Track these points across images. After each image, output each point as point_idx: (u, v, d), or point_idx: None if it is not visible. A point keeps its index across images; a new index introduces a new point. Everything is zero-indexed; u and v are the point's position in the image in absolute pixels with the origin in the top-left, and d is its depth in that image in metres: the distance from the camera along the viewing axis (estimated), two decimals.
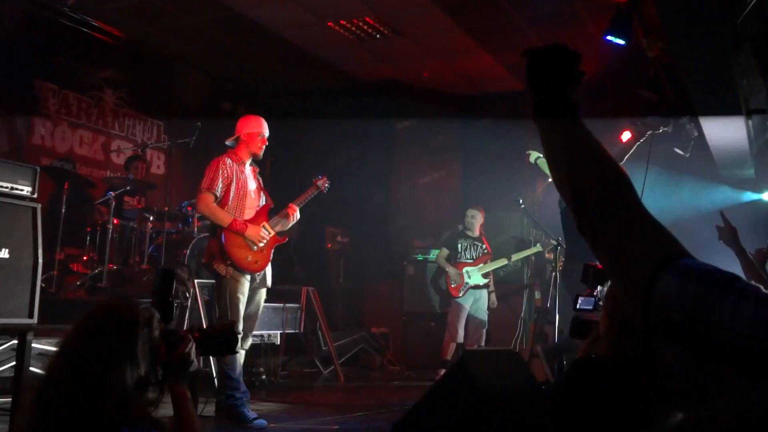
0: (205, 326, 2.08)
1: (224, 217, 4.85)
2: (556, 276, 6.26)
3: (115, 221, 6.84)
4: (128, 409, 1.77)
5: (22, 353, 3.26)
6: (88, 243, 6.92)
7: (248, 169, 5.08)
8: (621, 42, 5.79)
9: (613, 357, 2.52)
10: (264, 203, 5.14)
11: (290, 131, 10.20)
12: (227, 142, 5.16)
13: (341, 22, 7.94)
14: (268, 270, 5.08)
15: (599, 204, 1.02)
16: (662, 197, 8.88)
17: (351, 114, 10.07)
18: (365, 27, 8.05)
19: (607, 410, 2.47)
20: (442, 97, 10.11)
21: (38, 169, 4.79)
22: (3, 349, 4.78)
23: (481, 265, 7.49)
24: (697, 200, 8.86)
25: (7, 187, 4.54)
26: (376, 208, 9.82)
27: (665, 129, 7.56)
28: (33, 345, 3.70)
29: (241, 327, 4.77)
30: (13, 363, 4.40)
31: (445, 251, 7.67)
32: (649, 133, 5.49)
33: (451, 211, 9.19)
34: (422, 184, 9.92)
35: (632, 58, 7.59)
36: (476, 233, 7.65)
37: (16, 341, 4.38)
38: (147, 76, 9.01)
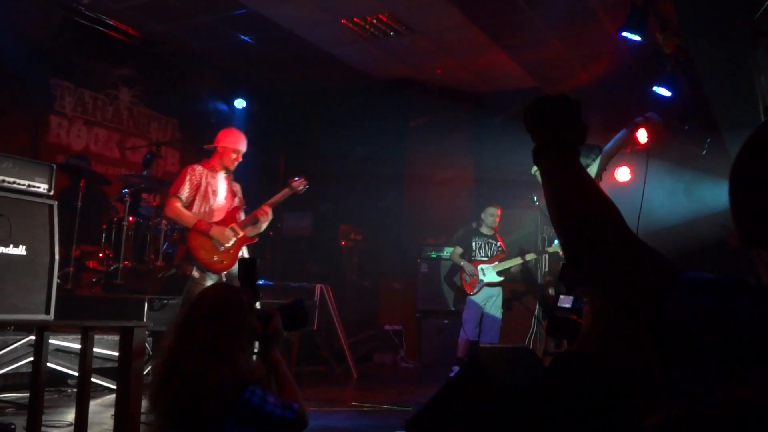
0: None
1: (189, 219, 5.05)
2: None
3: (130, 218, 6.88)
4: (248, 372, 2.18)
5: (39, 349, 3.29)
6: (103, 240, 6.97)
7: (221, 175, 5.28)
8: (636, 38, 5.75)
9: (602, 350, 2.52)
10: (235, 206, 5.30)
11: (303, 129, 10.24)
12: (206, 147, 5.44)
13: (355, 19, 7.94)
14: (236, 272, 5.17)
15: (593, 238, 1.07)
16: (679, 196, 8.82)
17: (364, 111, 10.07)
18: (379, 24, 8.04)
19: (593, 402, 2.47)
20: (456, 95, 10.09)
21: (54, 167, 4.83)
22: (20, 344, 4.83)
23: (496, 263, 7.47)
24: (714, 198, 8.79)
25: (24, 185, 4.58)
26: (389, 206, 9.81)
27: (678, 125, 7.51)
28: (50, 341, 3.73)
29: None
30: (31, 359, 4.46)
31: (459, 249, 7.66)
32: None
33: (465, 208, 9.18)
34: (436, 181, 9.90)
35: (648, 55, 7.54)
36: (492, 231, 7.63)
37: (33, 337, 4.43)
38: (162, 74, 9.05)
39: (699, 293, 0.92)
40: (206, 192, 5.16)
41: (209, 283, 4.94)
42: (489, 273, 7.43)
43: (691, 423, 0.77)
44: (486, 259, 7.50)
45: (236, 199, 5.33)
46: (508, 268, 7.53)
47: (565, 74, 9.25)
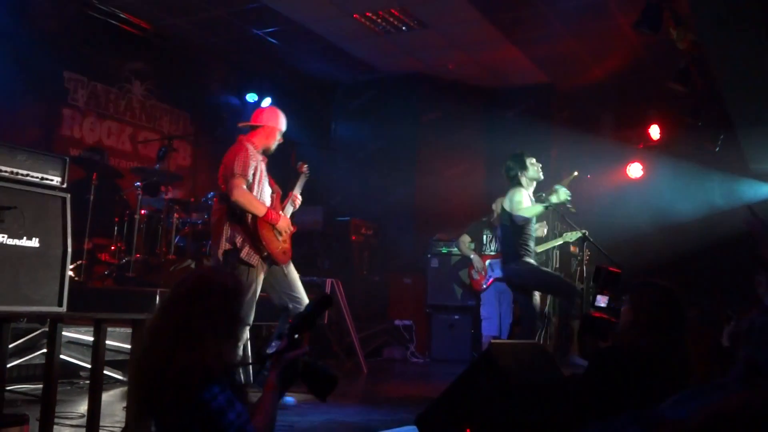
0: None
1: (260, 207, 4.77)
2: (582, 269, 6.20)
3: (142, 212, 6.91)
4: (221, 364, 2.01)
5: (52, 341, 3.31)
6: (115, 233, 7.00)
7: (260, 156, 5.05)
8: (650, 33, 5.72)
9: (642, 344, 2.64)
10: (276, 191, 5.13)
11: (315, 123, 10.23)
12: (241, 125, 5.17)
13: (367, 14, 7.93)
14: None
15: None
16: (691, 192, 8.77)
17: (376, 106, 10.06)
18: (391, 19, 8.03)
19: (634, 393, 2.54)
20: (468, 90, 10.06)
21: (67, 160, 4.85)
22: (33, 336, 4.86)
23: None
24: (727, 195, 8.74)
25: (37, 177, 4.61)
26: (400, 201, 9.80)
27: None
28: (63, 333, 3.75)
29: (251, 318, 4.81)
30: (44, 350, 4.48)
31: (467, 238, 7.57)
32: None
33: (476, 203, 9.14)
34: (447, 176, 9.87)
35: (662, 51, 7.49)
36: None
37: (46, 329, 4.46)
38: (174, 68, 9.07)
39: None
40: (261, 176, 4.89)
41: (263, 273, 4.86)
42: (497, 268, 7.31)
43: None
44: (494, 253, 7.41)
45: (274, 184, 5.13)
46: None
47: (578, 70, 9.21)
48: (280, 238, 4.93)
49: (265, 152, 5.06)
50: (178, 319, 2.04)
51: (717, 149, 8.07)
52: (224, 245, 4.79)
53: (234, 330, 2.14)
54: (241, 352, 4.93)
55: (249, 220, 4.79)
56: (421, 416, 3.38)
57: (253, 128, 5.04)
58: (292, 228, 5.07)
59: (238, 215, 4.80)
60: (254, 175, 4.82)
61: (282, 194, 5.22)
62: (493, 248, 7.45)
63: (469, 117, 10.09)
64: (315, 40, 8.72)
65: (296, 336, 2.17)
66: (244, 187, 4.72)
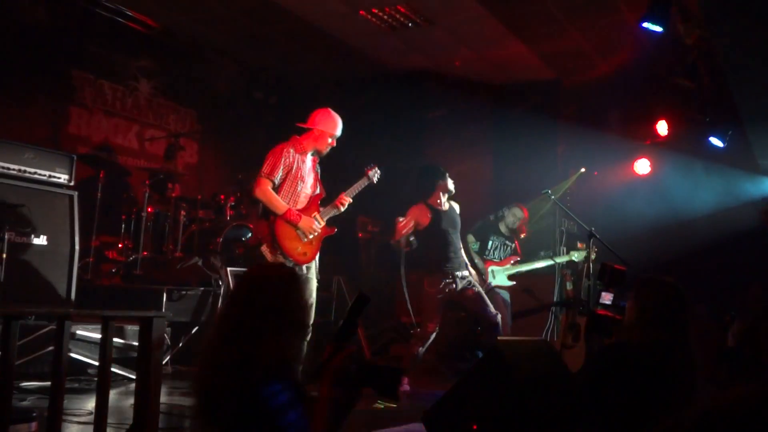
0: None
1: (280, 206, 4.90)
2: (588, 266, 6.18)
3: (149, 209, 6.93)
4: (281, 360, 1.99)
5: (60, 338, 3.32)
6: (123, 230, 7.02)
7: (309, 159, 5.13)
8: (658, 29, 5.68)
9: (646, 341, 2.68)
10: (317, 193, 5.18)
11: None
12: (299, 124, 5.22)
13: (373, 10, 7.91)
14: (314, 263, 5.09)
15: None
16: (699, 188, 8.73)
17: (382, 103, 10.04)
18: (397, 16, 8.01)
19: (637, 388, 2.57)
20: (474, 87, 10.03)
21: (75, 158, 4.88)
22: (41, 333, 4.88)
23: (508, 266, 7.10)
24: (735, 191, 8.69)
25: (45, 175, 4.63)
26: (407, 198, 9.78)
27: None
28: (71, 330, 3.76)
29: None
30: (52, 347, 4.50)
31: (472, 237, 7.46)
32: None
33: (483, 200, 9.12)
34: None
35: (669, 46, 7.45)
36: (510, 232, 7.36)
37: (54, 326, 4.48)
38: (180, 66, 9.08)
39: None
40: (296, 177, 4.99)
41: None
42: (500, 276, 7.09)
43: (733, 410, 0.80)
44: (498, 261, 7.26)
45: (319, 186, 5.22)
46: (521, 273, 7.19)
47: (585, 65, 9.17)
48: (305, 239, 4.96)
49: (317, 154, 5.19)
50: (237, 315, 2.07)
51: (725, 145, 8.03)
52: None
53: (297, 323, 2.13)
54: None
55: (270, 217, 4.92)
56: (428, 413, 3.38)
57: (307, 130, 5.15)
58: (321, 230, 5.08)
59: (265, 211, 4.98)
60: (287, 173, 4.96)
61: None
62: (496, 256, 7.29)
63: (475, 113, 10.06)
64: (321, 37, 8.71)
65: (338, 343, 2.05)
66: (269, 187, 4.90)
